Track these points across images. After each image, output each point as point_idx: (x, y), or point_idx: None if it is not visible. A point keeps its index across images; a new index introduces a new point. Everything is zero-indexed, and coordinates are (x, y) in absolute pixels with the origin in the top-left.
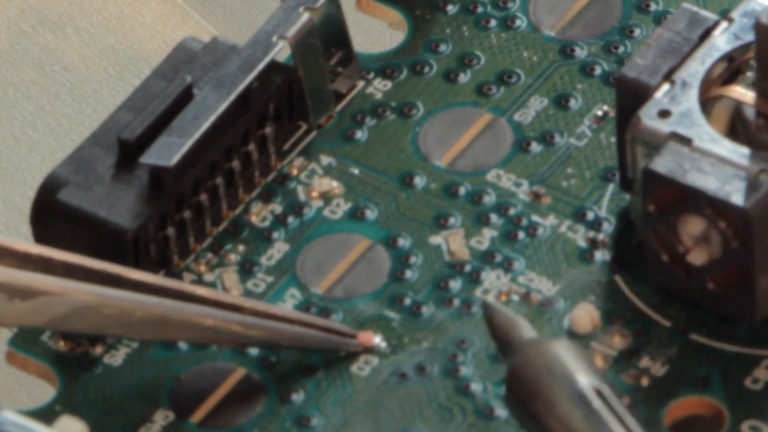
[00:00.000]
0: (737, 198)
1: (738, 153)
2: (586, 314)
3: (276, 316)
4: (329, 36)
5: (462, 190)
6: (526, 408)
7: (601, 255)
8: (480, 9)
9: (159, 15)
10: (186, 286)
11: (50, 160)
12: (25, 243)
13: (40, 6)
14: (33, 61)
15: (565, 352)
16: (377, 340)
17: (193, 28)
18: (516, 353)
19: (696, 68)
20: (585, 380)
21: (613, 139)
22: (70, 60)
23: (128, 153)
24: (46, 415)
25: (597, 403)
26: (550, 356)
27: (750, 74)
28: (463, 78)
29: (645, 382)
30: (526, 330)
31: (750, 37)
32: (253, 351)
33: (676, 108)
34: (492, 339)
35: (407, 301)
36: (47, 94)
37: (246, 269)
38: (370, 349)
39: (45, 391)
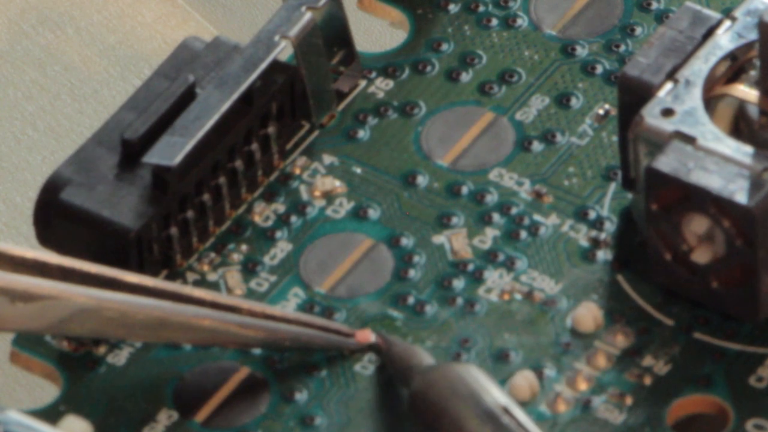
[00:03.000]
0: (741, 197)
1: (742, 152)
2: (588, 313)
3: (274, 316)
4: (331, 35)
5: (464, 189)
6: (432, 431)
7: (604, 254)
8: (481, 8)
9: (159, 15)
10: (184, 288)
11: (51, 160)
12: (20, 248)
13: (40, 6)
14: (33, 61)
15: (467, 374)
16: (375, 337)
17: (193, 28)
18: (417, 378)
19: (699, 67)
20: (491, 399)
21: (615, 138)
22: (70, 60)
23: (131, 153)
24: (50, 414)
25: (505, 419)
26: (454, 378)
27: (753, 73)
28: (465, 77)
29: (648, 380)
30: (424, 357)
31: (753, 35)
32: (257, 350)
33: (680, 107)
34: (390, 369)
35: (410, 300)
36: (47, 94)
37: (249, 269)
38: (368, 348)
39: (49, 391)
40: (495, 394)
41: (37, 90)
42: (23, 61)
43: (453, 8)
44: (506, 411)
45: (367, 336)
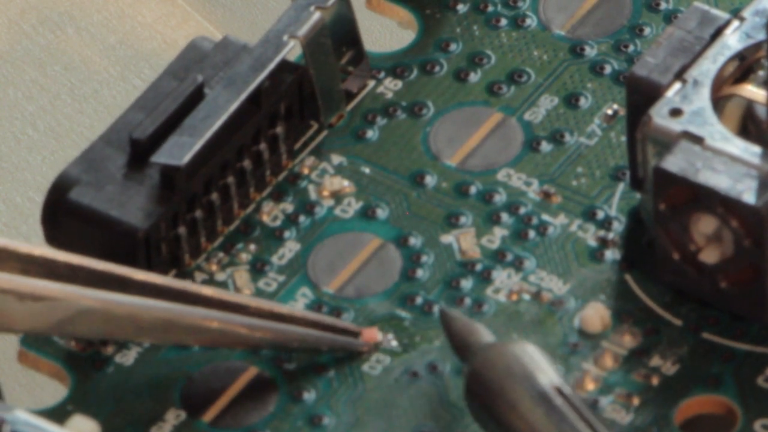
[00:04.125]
0: (749, 197)
1: (750, 152)
2: (596, 313)
3: (281, 314)
4: (340, 35)
5: (473, 189)
6: (488, 410)
7: (612, 254)
8: (490, 8)
9: (159, 15)
10: (191, 286)
11: (50, 160)
12: (28, 245)
13: (40, 6)
14: (33, 61)
15: (524, 354)
16: (387, 336)
17: (193, 28)
18: (475, 356)
19: (708, 67)
20: (545, 379)
21: (624, 138)
22: (70, 60)
23: (139, 152)
24: (58, 414)
25: (558, 400)
26: (510, 357)
27: (762, 73)
28: (474, 77)
29: (656, 381)
30: (484, 334)
31: (761, 35)
32: (265, 350)
33: (688, 107)
34: (450, 345)
35: (419, 300)
36: (47, 94)
37: (257, 268)
38: (376, 346)
39: (57, 391)
40: (550, 375)
41: (37, 90)
42: (23, 61)
43: (462, 8)
44: (560, 392)
45: (374, 334)
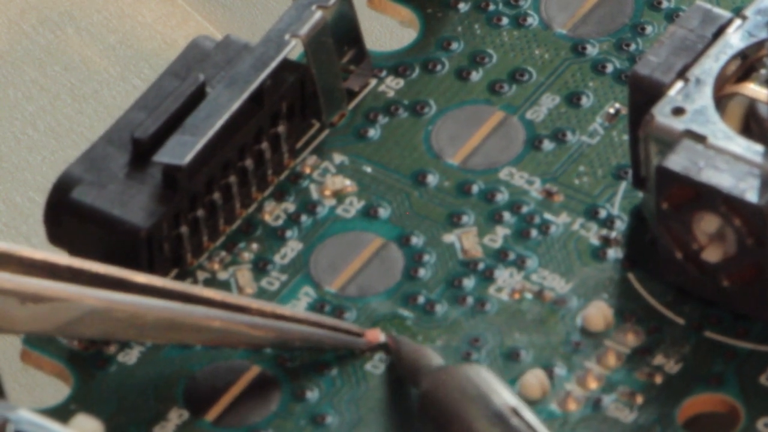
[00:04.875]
0: (752, 195)
1: (752, 150)
2: (599, 312)
3: (284, 316)
4: (342, 34)
5: (475, 188)
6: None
7: (614, 253)
8: (492, 7)
9: (159, 15)
10: (193, 288)
11: (50, 160)
12: (30, 249)
13: (40, 6)
14: (33, 61)
15: (477, 375)
16: (385, 337)
17: (193, 28)
18: (427, 379)
19: (710, 65)
20: (500, 400)
21: (626, 137)
22: (70, 60)
23: (141, 152)
24: (61, 413)
25: (514, 420)
26: (463, 379)
27: (764, 71)
28: (475, 76)
29: (659, 379)
30: (434, 358)
31: (764, 34)
32: (267, 349)
33: (690, 105)
34: (399, 370)
35: (421, 300)
36: (47, 94)
37: (259, 267)
38: (378, 347)
39: (60, 390)
40: (504, 395)
41: (37, 90)
42: (23, 61)
43: (463, 7)
44: (515, 412)
45: (377, 335)
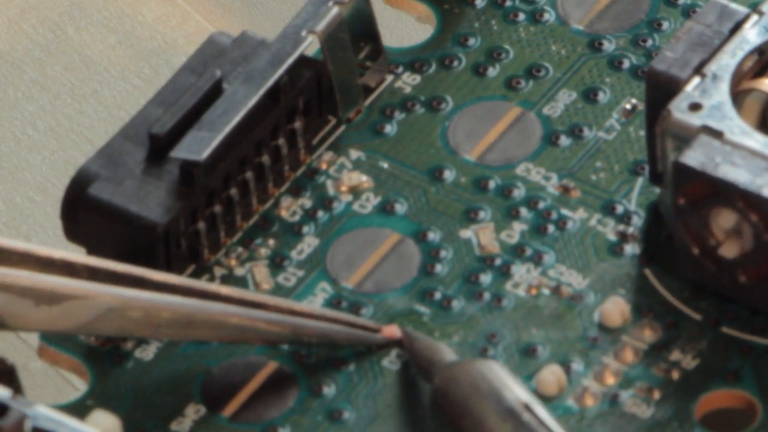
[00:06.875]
0: None
1: None
2: (616, 308)
3: (301, 312)
4: (358, 30)
5: (491, 184)
6: (453, 427)
7: (631, 248)
8: (508, 2)
9: (159, 15)
10: (209, 285)
11: (50, 160)
12: (48, 248)
13: (40, 6)
14: (33, 61)
15: (490, 371)
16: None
17: (193, 28)
18: (440, 374)
19: (727, 61)
20: (512, 396)
21: (642, 133)
22: (70, 60)
23: (158, 147)
24: (78, 409)
25: (526, 416)
26: (476, 374)
27: None
28: (492, 72)
29: (676, 375)
30: (447, 353)
31: None
32: (284, 345)
33: (707, 101)
34: (413, 365)
35: (437, 295)
36: (47, 94)
37: (276, 263)
38: (395, 343)
39: (77, 386)
40: (517, 391)
41: (37, 90)
42: (23, 61)
43: (480, 3)
44: (527, 408)
45: (394, 331)
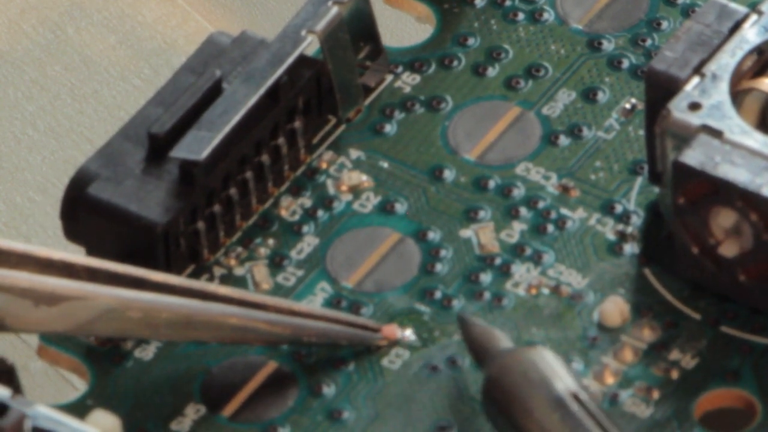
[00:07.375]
0: None
1: None
2: (615, 307)
3: (300, 312)
4: (358, 30)
5: (491, 184)
6: (504, 416)
7: (630, 248)
8: (508, 2)
9: (159, 15)
10: (209, 286)
11: (50, 160)
12: (47, 249)
13: (40, 6)
14: (33, 61)
15: (541, 360)
16: (407, 333)
17: (193, 28)
18: (493, 362)
19: (726, 61)
20: (561, 385)
21: (642, 132)
22: (70, 60)
23: (158, 147)
24: (78, 409)
25: (574, 406)
26: (527, 363)
27: None
28: (492, 71)
29: (675, 374)
30: (502, 340)
31: None
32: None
33: (707, 101)
34: (469, 351)
35: (438, 295)
36: (47, 94)
37: (276, 263)
38: (395, 343)
39: (77, 386)
40: (567, 381)
41: (37, 90)
42: (23, 61)
43: (479, 2)
44: (576, 398)
45: (394, 331)
